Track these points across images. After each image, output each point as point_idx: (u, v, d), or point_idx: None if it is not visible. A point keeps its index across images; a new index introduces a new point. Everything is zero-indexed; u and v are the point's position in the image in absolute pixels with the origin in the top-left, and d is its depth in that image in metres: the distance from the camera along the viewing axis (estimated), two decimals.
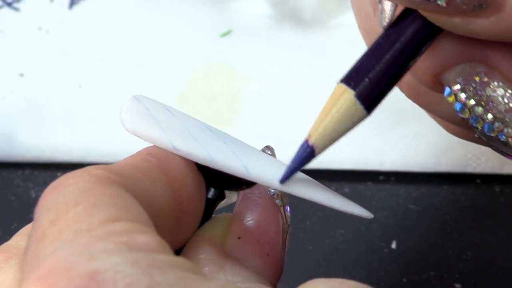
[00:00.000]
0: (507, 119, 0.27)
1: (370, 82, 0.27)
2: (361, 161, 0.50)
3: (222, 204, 0.31)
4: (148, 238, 0.23)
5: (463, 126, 0.31)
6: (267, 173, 0.29)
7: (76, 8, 0.58)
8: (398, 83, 0.32)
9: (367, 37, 0.33)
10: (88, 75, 0.54)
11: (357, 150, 0.50)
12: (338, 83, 0.28)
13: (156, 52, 0.55)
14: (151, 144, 0.29)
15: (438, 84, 0.29)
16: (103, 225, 0.22)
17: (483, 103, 0.28)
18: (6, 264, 0.25)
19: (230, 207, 0.31)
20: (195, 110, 0.52)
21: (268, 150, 0.32)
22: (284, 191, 0.29)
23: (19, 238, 0.27)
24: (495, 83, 0.28)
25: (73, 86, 0.54)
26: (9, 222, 0.49)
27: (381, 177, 0.50)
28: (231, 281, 0.27)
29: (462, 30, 0.27)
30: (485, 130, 0.28)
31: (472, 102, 0.28)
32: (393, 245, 0.47)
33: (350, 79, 0.28)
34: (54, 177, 0.31)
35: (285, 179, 0.29)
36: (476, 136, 0.29)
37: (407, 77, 0.31)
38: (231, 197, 0.31)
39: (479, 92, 0.28)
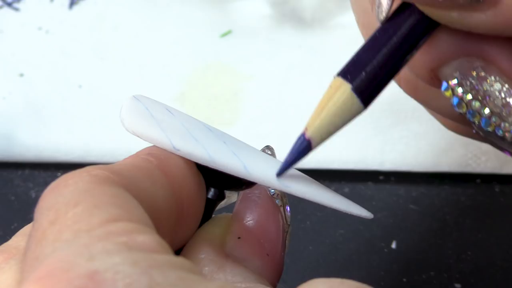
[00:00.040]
0: (504, 114, 0.27)
1: (367, 76, 0.27)
2: (361, 161, 0.50)
3: (222, 204, 0.31)
4: (148, 238, 0.23)
5: (460, 121, 0.31)
6: (267, 173, 0.29)
7: (76, 8, 0.58)
8: (396, 78, 0.32)
9: (366, 33, 0.33)
10: (88, 75, 0.54)
11: (357, 150, 0.50)
12: (335, 77, 0.28)
13: (156, 52, 0.55)
14: (151, 144, 0.29)
15: (435, 79, 0.29)
16: (103, 225, 0.22)
17: (480, 98, 0.28)
18: (6, 265, 0.25)
19: (230, 207, 0.31)
20: (195, 110, 0.52)
21: (268, 150, 0.32)
22: (284, 191, 0.29)
23: (19, 238, 0.27)
24: (492, 77, 0.28)
25: (73, 86, 0.54)
26: (9, 222, 0.49)
27: (381, 177, 0.50)
28: (231, 281, 0.27)
29: (459, 24, 0.27)
30: (482, 125, 0.28)
31: (469, 96, 0.28)
32: (393, 245, 0.47)
33: (347, 73, 0.28)
34: (54, 177, 0.31)
35: (281, 172, 0.29)
36: (474, 131, 0.29)
37: (405, 73, 0.31)
38: (231, 197, 0.31)
39: (476, 87, 0.28)
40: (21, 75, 0.55)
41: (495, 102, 0.28)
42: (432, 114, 0.37)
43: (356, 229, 0.47)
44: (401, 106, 0.51)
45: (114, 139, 0.51)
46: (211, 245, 0.29)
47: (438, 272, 0.45)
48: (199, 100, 0.53)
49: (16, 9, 0.58)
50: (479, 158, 0.49)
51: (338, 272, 0.46)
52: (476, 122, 0.28)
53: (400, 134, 0.50)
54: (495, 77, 0.27)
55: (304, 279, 0.24)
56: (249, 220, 0.30)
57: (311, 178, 0.30)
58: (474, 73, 0.28)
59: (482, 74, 0.28)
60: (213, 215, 0.30)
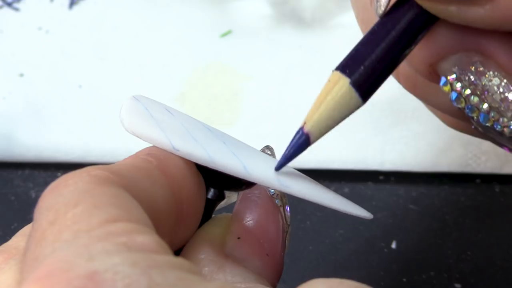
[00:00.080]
0: (502, 109, 0.27)
1: (365, 70, 0.27)
2: (361, 161, 0.50)
3: (222, 204, 0.31)
4: (148, 238, 0.23)
5: (459, 117, 0.31)
6: (267, 173, 0.29)
7: (76, 8, 0.58)
8: (396, 74, 0.32)
9: (365, 29, 0.33)
10: (88, 75, 0.54)
11: (357, 150, 0.50)
12: (333, 71, 0.28)
13: (156, 52, 0.55)
14: (151, 144, 0.29)
15: (434, 74, 0.29)
16: (102, 225, 0.22)
17: (478, 93, 0.28)
18: (6, 265, 0.25)
19: (230, 207, 0.31)
20: (195, 110, 0.52)
21: (268, 150, 0.32)
22: (284, 191, 0.29)
23: (19, 239, 0.27)
24: (491, 72, 0.28)
25: (73, 86, 0.54)
26: (9, 222, 0.49)
27: (381, 177, 0.50)
28: (231, 281, 0.27)
29: (458, 19, 0.27)
30: (481, 120, 0.28)
31: (468, 91, 0.28)
32: (393, 245, 0.47)
33: (345, 67, 0.28)
34: (54, 177, 0.31)
35: (280, 167, 0.29)
36: (473, 127, 0.29)
37: (404, 68, 0.31)
38: (231, 197, 0.31)
39: (475, 82, 0.28)
40: (21, 75, 0.55)
41: (494, 97, 0.28)
42: (432, 111, 0.37)
43: (355, 229, 0.47)
44: (401, 106, 0.51)
45: (114, 139, 0.51)
46: (210, 245, 0.29)
47: (438, 272, 0.45)
48: (199, 100, 0.53)
49: (16, 9, 0.58)
50: (479, 158, 0.49)
51: (337, 272, 0.46)
52: (475, 117, 0.28)
53: (400, 134, 0.50)
54: (493, 72, 0.28)
55: (304, 279, 0.24)
56: (249, 220, 0.30)
57: (310, 178, 0.30)
58: (473, 68, 0.28)
59: (481, 69, 0.28)
60: (213, 215, 0.30)
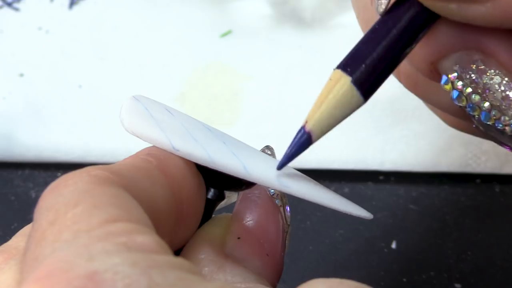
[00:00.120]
0: (504, 107, 0.27)
1: (366, 68, 0.27)
2: (361, 161, 0.50)
3: (222, 204, 0.31)
4: (148, 238, 0.23)
5: (461, 116, 0.31)
6: (267, 173, 0.29)
7: (76, 8, 0.58)
8: (397, 73, 0.32)
9: (365, 28, 0.33)
10: (88, 75, 0.54)
11: (357, 150, 0.50)
12: (334, 69, 0.28)
13: (156, 52, 0.55)
14: (151, 144, 0.29)
15: (435, 73, 0.29)
16: (102, 225, 0.22)
17: (479, 91, 0.28)
18: (6, 265, 0.25)
19: (230, 207, 0.31)
20: (195, 110, 0.52)
21: (268, 150, 0.32)
22: (284, 191, 0.29)
23: (19, 239, 0.27)
24: (492, 71, 0.28)
25: (73, 86, 0.54)
26: (9, 222, 0.49)
27: (381, 177, 0.50)
28: (231, 282, 0.27)
29: (458, 16, 0.27)
30: (482, 118, 0.28)
31: (469, 90, 0.28)
32: (393, 245, 0.47)
33: (346, 65, 0.28)
34: (54, 177, 0.31)
35: (282, 166, 0.29)
36: (474, 126, 0.29)
37: (405, 67, 0.31)
38: (231, 197, 0.31)
39: (476, 80, 0.28)
40: (21, 75, 0.55)
41: (495, 95, 0.27)
42: (432, 110, 0.37)
43: (355, 229, 0.47)
44: (401, 105, 0.51)
45: (114, 139, 0.51)
46: (211, 245, 0.29)
47: (438, 272, 0.45)
48: (199, 100, 0.53)
49: (16, 9, 0.58)
50: (479, 158, 0.49)
51: (337, 272, 0.46)
52: (476, 116, 0.28)
53: (400, 133, 0.50)
54: (494, 70, 0.27)
55: (304, 279, 0.24)
56: (249, 220, 0.30)
57: (310, 179, 0.30)
58: (474, 66, 0.28)
59: (482, 67, 0.28)
60: (213, 215, 0.30)
